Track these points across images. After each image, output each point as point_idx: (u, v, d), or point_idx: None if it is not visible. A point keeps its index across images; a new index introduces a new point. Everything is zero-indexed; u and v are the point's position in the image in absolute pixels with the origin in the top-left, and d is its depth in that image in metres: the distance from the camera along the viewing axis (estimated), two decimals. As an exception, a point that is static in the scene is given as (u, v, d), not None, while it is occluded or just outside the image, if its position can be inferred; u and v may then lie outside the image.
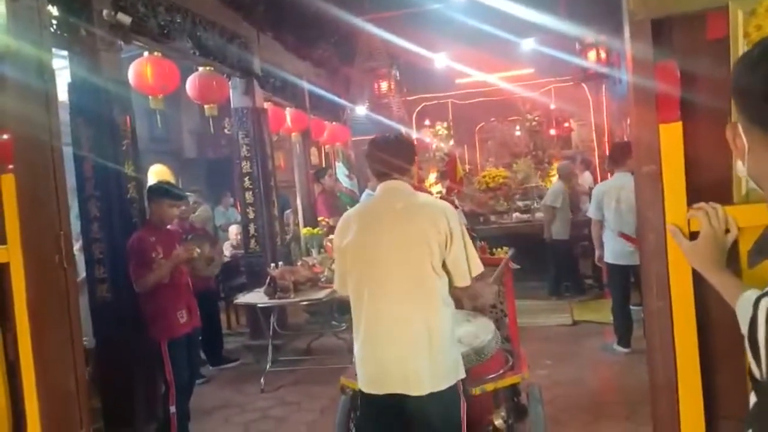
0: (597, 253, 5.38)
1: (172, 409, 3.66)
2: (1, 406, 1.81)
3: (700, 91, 1.53)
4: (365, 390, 2.27)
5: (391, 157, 2.36)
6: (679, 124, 1.50)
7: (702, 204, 1.42)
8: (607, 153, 6.19)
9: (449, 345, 2.24)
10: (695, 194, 1.48)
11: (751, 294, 0.77)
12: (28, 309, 1.79)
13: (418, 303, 2.19)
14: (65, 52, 4.04)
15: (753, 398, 0.83)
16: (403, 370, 2.17)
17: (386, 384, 2.20)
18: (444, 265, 2.23)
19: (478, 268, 2.30)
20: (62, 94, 4.32)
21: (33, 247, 1.82)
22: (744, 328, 0.83)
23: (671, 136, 1.50)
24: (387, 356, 2.20)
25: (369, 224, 2.31)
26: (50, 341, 1.85)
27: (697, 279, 1.47)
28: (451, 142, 9.95)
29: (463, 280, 2.26)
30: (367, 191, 7.78)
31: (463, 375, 2.27)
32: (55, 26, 3.80)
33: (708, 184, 1.51)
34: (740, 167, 0.96)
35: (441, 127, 9.34)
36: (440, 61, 10.51)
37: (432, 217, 2.24)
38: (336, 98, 9.23)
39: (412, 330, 2.17)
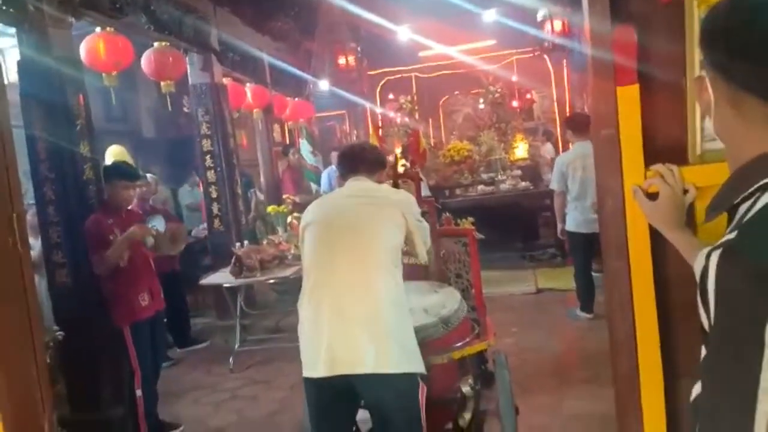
0: (559, 226, 5.41)
1: (138, 392, 3.62)
2: (-42, 394, 1.76)
3: (654, 56, 1.55)
4: (313, 375, 2.21)
5: (362, 159, 2.51)
6: (636, 86, 1.52)
7: (659, 165, 1.44)
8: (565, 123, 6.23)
9: (398, 330, 2.20)
10: (651, 158, 1.51)
11: (706, 249, 0.79)
12: (-18, 294, 1.73)
13: (364, 287, 2.20)
14: (13, 30, 3.88)
15: (703, 351, 0.86)
16: (346, 349, 2.14)
17: (334, 365, 2.15)
18: (403, 249, 2.36)
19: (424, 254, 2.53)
20: (12, 75, 4.16)
21: (-17, 230, 1.76)
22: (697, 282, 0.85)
23: (628, 98, 1.52)
24: (332, 337, 2.15)
25: (326, 211, 2.42)
26: (8, 326, 1.80)
27: (655, 240, 1.51)
28: (416, 116, 9.93)
29: (421, 260, 2.52)
30: (332, 167, 7.77)
31: (421, 370, 2.24)
32: (1, 2, 3.63)
33: (664, 148, 1.54)
34: (708, 123, 0.97)
35: (405, 101, 9.30)
36: (403, 33, 10.43)
37: (387, 204, 2.35)
38: (298, 73, 9.09)
39: (356, 311, 2.16)
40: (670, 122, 1.54)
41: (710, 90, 0.89)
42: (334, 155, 7.50)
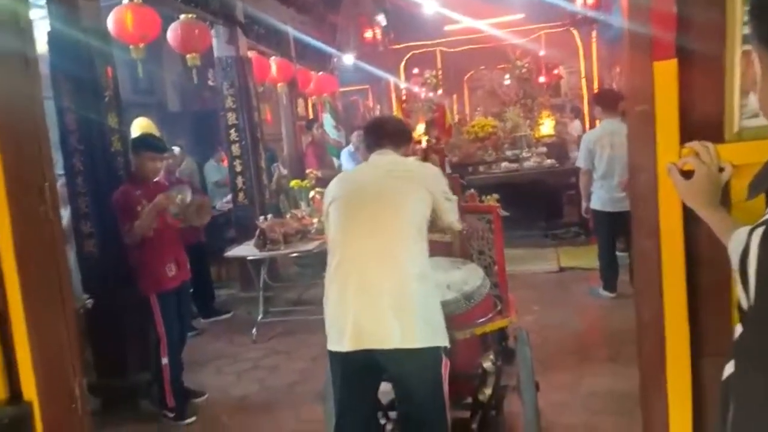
0: (584, 204, 5.34)
1: (164, 360, 3.70)
2: (-7, 357, 1.81)
3: (693, 29, 1.51)
4: (338, 349, 2.22)
5: (387, 131, 2.49)
6: (674, 61, 1.48)
7: (695, 143, 1.41)
8: (593, 100, 6.10)
9: (424, 304, 2.20)
10: (687, 135, 1.47)
11: (746, 228, 0.77)
12: (16, 260, 1.77)
13: (390, 261, 2.19)
14: (43, 1, 3.90)
15: (738, 329, 0.84)
16: (372, 324, 2.15)
17: (359, 340, 2.16)
18: (431, 222, 2.35)
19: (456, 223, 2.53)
20: (41, 46, 4.20)
21: (18, 198, 1.78)
22: (735, 260, 0.83)
23: (666, 73, 1.48)
24: (357, 312, 2.16)
25: (351, 186, 2.41)
26: (40, 292, 1.84)
27: (687, 219, 1.48)
28: (440, 91, 9.82)
29: (455, 228, 2.56)
30: (348, 149, 7.74)
31: (445, 343, 2.25)
32: (29, -27, 3.65)
33: (700, 124, 1.50)
34: (748, 99, 0.94)
35: (430, 76, 9.18)
36: (429, 6, 10.27)
37: (414, 178, 2.34)
38: (322, 46, 9.03)
39: (382, 285, 2.16)
40: (707, 98, 1.50)
41: (757, 65, 0.86)
42: (355, 136, 7.48)
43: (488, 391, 2.74)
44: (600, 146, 5.00)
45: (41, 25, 3.87)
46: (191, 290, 4.51)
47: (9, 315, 1.80)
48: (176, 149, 5.72)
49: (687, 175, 1.39)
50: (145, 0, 4.70)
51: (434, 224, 2.45)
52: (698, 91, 1.51)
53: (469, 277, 2.76)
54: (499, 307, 2.85)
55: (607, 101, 5.20)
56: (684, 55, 1.49)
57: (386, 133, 2.48)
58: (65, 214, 3.99)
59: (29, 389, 1.81)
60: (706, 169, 1.35)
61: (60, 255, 1.95)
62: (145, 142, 3.98)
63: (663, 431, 1.53)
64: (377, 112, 12.02)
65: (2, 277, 1.79)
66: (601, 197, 5.08)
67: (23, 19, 1.95)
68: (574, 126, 9.55)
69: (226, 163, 7.05)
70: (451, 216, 2.44)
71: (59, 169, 4.01)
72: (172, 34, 5.31)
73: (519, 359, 2.78)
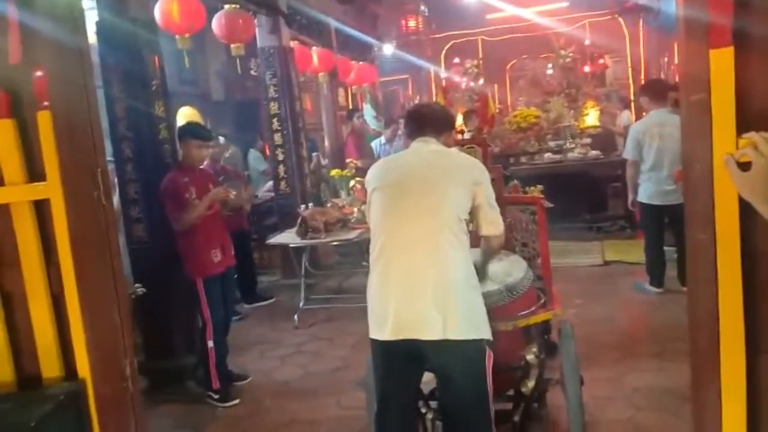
0: (630, 197, 5.19)
1: (210, 343, 3.78)
2: (49, 337, 1.89)
3: (751, 15, 1.45)
4: (379, 338, 2.23)
5: (429, 118, 2.44)
6: (731, 49, 1.43)
7: (753, 133, 1.35)
8: (641, 90, 5.91)
9: (466, 295, 2.18)
10: (744, 125, 1.42)
11: None
12: (71, 243, 1.84)
13: (432, 250, 2.17)
14: (92, -8, 4.00)
15: None
16: (413, 314, 2.14)
17: (400, 329, 2.16)
18: (471, 214, 2.30)
19: (498, 228, 2.37)
20: (91, 36, 4.30)
21: (72, 183, 1.85)
22: None
23: (722, 62, 1.43)
24: (399, 301, 2.16)
25: (393, 174, 2.37)
26: (93, 275, 1.90)
27: (743, 212, 1.43)
28: (481, 81, 9.71)
29: (486, 231, 2.35)
30: (379, 139, 7.74)
31: (487, 336, 2.23)
32: (80, -35, 3.74)
33: (758, 114, 1.44)
34: None
35: (471, 65, 9.08)
36: (471, -5, 10.16)
37: (459, 169, 2.30)
38: (363, 36, 9.02)
39: (424, 274, 2.14)
40: (765, 87, 1.45)
41: None
42: (390, 130, 7.46)
43: (531, 383, 2.72)
44: (649, 137, 4.85)
45: (90, 16, 3.96)
46: (235, 276, 4.59)
47: (64, 296, 1.87)
48: (221, 138, 5.81)
49: (744, 167, 1.34)
50: (192, -10, 4.78)
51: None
52: (756, 80, 1.46)
53: (512, 268, 2.73)
54: (542, 300, 2.82)
55: (655, 91, 5.05)
56: (741, 43, 1.44)
57: (428, 121, 2.44)
58: (114, 199, 4.11)
59: (83, 367, 1.89)
60: (765, 161, 1.29)
61: (112, 238, 2.01)
62: (191, 130, 4.05)
63: (716, 429, 1.49)
64: (417, 102, 11.96)
65: (57, 260, 1.86)
66: (648, 190, 4.94)
67: (76, 11, 2.01)
68: (624, 116, 9.29)
69: (267, 152, 7.14)
70: (491, 228, 2.33)
71: (109, 155, 4.12)
72: (216, 24, 5.39)
73: (563, 353, 2.75)
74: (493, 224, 2.34)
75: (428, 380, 2.48)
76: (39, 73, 1.82)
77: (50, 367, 1.90)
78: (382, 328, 2.20)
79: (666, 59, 10.22)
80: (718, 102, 1.44)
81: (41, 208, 1.87)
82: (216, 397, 3.81)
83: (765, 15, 1.42)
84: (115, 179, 3.99)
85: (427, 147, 2.39)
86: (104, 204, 1.96)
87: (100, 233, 1.93)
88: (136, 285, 3.64)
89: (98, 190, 1.93)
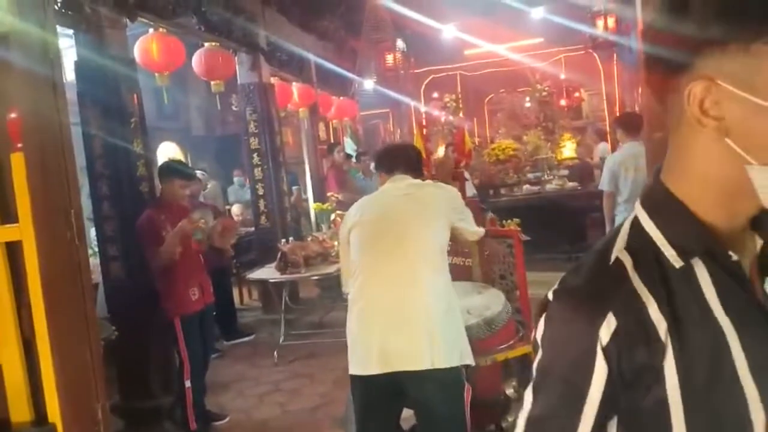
0: (608, 227, 5.25)
1: (188, 383, 3.72)
2: (19, 380, 1.84)
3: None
4: (363, 373, 2.23)
5: (401, 157, 2.56)
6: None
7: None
8: (615, 123, 6.06)
9: (447, 325, 2.21)
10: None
11: None
12: (42, 285, 1.81)
13: (412, 284, 2.20)
14: (70, 31, 4.02)
15: None
16: (402, 346, 2.16)
17: (388, 362, 2.17)
18: (450, 235, 2.39)
19: (479, 234, 2.59)
20: (69, 74, 4.32)
21: (45, 224, 1.84)
22: None
23: (683, 100, 1.47)
24: (385, 334, 2.18)
25: (371, 211, 2.44)
26: (65, 317, 1.88)
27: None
28: (460, 114, 9.86)
29: (471, 238, 2.56)
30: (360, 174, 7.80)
31: (469, 361, 2.26)
32: (59, 4, 3.77)
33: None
34: None
35: (450, 99, 9.23)
36: (448, 31, 10.36)
37: (435, 199, 2.38)
38: (343, 72, 9.14)
39: (406, 308, 2.18)
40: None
41: None
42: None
43: (511, 418, 2.71)
44: (624, 169, 4.92)
45: (69, 54, 3.99)
46: (214, 313, 4.54)
47: (35, 339, 1.83)
48: (200, 173, 5.81)
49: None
50: (170, 29, 4.83)
51: (456, 242, 2.49)
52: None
53: (491, 302, 2.74)
54: (521, 333, 2.82)
55: (628, 124, 5.14)
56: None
57: (400, 160, 2.53)
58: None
59: (54, 412, 1.84)
60: None
61: (85, 280, 1.99)
62: (175, 169, 4.02)
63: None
64: (398, 136, 12.08)
65: (28, 301, 1.83)
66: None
67: (52, 48, 2.02)
68: (600, 148, 9.47)
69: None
70: (470, 228, 2.49)
71: (86, 193, 4.10)
72: (196, 61, 5.44)
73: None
74: (476, 233, 2.54)
75: (407, 416, 2.46)
76: (13, 115, 1.82)
77: (20, 411, 1.85)
78: (367, 363, 2.21)
79: (639, 93, 10.46)
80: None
81: (13, 249, 1.85)
82: (193, 438, 3.72)
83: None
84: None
85: (404, 182, 2.46)
86: (77, 244, 1.94)
87: (73, 274, 1.92)
88: (113, 328, 3.57)
89: (71, 231, 1.92)
